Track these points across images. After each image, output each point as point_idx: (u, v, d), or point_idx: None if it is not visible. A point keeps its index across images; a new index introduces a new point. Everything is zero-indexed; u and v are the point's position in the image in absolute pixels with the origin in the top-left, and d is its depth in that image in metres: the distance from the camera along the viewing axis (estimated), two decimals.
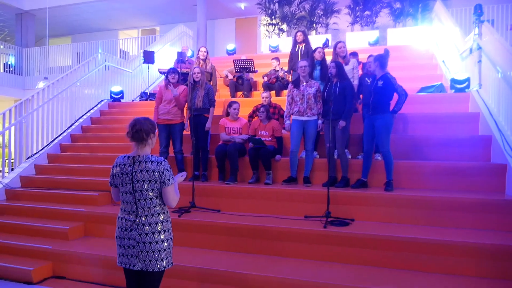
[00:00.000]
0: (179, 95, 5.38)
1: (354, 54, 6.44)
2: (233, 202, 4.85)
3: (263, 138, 5.26)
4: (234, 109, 5.56)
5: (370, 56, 4.85)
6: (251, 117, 6.04)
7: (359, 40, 10.24)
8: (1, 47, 15.04)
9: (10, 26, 16.10)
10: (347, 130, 4.87)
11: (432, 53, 8.66)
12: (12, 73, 14.30)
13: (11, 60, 14.56)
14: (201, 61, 6.37)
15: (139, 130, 2.54)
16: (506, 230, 3.79)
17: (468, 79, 5.98)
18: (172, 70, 5.52)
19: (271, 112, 5.61)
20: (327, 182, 4.38)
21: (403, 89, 4.61)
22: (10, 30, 16.61)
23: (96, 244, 4.46)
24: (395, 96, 4.63)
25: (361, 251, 3.73)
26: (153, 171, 2.51)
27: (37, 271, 4.08)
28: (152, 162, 2.53)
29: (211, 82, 6.28)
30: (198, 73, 5.37)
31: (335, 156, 4.97)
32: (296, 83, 5.05)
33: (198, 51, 6.45)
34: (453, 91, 6.12)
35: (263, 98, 5.80)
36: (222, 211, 4.77)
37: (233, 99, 6.69)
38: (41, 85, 7.39)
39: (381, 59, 4.60)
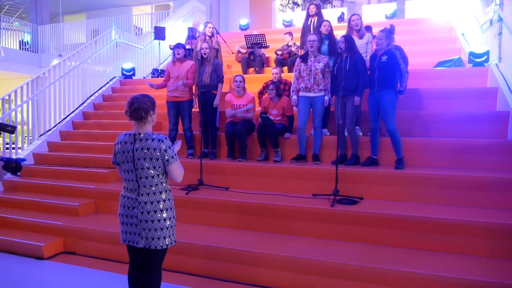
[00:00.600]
0: (187, 82, 5.35)
1: (368, 28, 6.19)
2: (242, 179, 4.83)
3: (272, 118, 5.17)
4: (236, 81, 5.35)
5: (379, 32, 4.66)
6: (261, 93, 5.94)
7: (376, 13, 9.89)
8: (17, 24, 15.15)
9: (26, 3, 16.15)
10: (358, 106, 4.75)
11: (451, 25, 8.30)
12: (28, 50, 14.42)
13: (27, 37, 14.67)
14: (207, 37, 6.26)
15: (137, 109, 2.50)
16: None
17: (487, 53, 5.72)
18: (177, 46, 5.44)
19: (281, 88, 5.48)
20: (336, 159, 4.29)
21: (405, 67, 4.46)
22: (25, 7, 16.68)
23: (105, 221, 4.53)
24: None
25: (369, 230, 3.68)
26: (154, 149, 2.48)
27: (48, 247, 4.18)
28: (153, 140, 2.49)
29: (217, 58, 6.18)
30: (206, 48, 5.27)
31: (345, 133, 4.86)
32: (304, 58, 4.91)
33: (205, 27, 6.33)
34: (471, 65, 5.87)
35: (273, 74, 5.65)
36: (231, 189, 4.76)
37: (244, 75, 6.58)
38: (55, 62, 7.40)
39: (387, 33, 4.43)
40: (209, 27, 6.35)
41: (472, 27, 6.96)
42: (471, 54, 5.87)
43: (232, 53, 8.05)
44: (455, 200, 3.90)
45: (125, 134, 2.59)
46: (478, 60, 5.77)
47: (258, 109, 5.63)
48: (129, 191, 2.59)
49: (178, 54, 5.39)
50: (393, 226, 3.61)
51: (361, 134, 5.11)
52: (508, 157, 4.26)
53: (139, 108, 2.50)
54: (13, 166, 1.82)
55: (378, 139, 4.60)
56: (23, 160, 1.83)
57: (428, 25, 8.70)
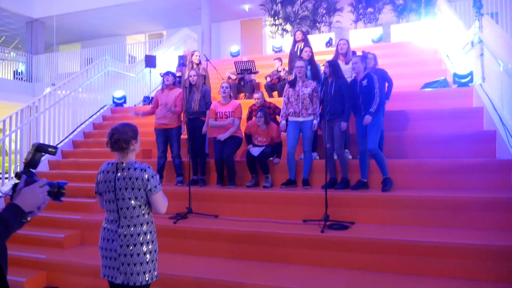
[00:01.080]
0: (175, 110, 5.34)
1: (353, 54, 6.28)
2: (232, 206, 4.77)
3: (260, 144, 5.14)
4: (223, 87, 5.24)
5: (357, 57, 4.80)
6: (249, 119, 5.94)
7: (362, 38, 10.08)
8: (14, 54, 15.33)
9: (22, 34, 16.38)
10: (346, 130, 4.76)
11: (436, 48, 8.47)
12: (22, 80, 14.51)
13: (21, 67, 14.79)
14: (194, 65, 6.35)
15: (117, 140, 2.47)
16: None
17: (471, 73, 5.81)
18: (166, 73, 5.49)
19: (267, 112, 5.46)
20: (325, 184, 4.26)
21: (380, 90, 4.53)
22: (21, 38, 16.90)
23: (91, 253, 4.41)
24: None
25: (360, 256, 3.61)
26: (136, 179, 2.43)
27: (30, 282, 4.03)
28: (135, 169, 2.45)
29: (205, 85, 6.24)
30: (194, 75, 5.32)
31: (335, 157, 4.85)
32: (293, 83, 4.96)
33: (192, 55, 6.43)
34: (456, 86, 5.95)
35: (255, 99, 5.61)
36: (220, 216, 4.69)
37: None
38: (48, 91, 7.43)
39: (361, 57, 4.58)
40: (196, 55, 6.45)
41: (456, 49, 7.10)
42: (455, 75, 5.97)
43: (223, 79, 8.14)
44: (446, 222, 3.86)
45: (108, 163, 2.55)
46: (463, 80, 5.86)
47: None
48: (109, 222, 2.53)
49: (167, 80, 5.44)
50: (384, 251, 3.55)
51: (350, 157, 5.11)
52: (497, 176, 4.25)
53: (119, 139, 2.47)
54: (55, 191, 1.65)
55: (367, 162, 4.59)
56: (65, 183, 1.66)
57: (414, 48, 8.87)
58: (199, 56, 6.43)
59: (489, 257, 3.22)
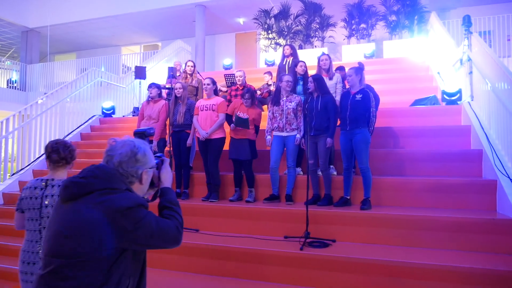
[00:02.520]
0: (156, 129, 5.24)
1: (341, 69, 6.27)
2: (213, 221, 4.67)
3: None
4: (204, 84, 5.15)
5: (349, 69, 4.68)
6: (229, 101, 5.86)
7: (355, 53, 10.11)
8: (9, 63, 15.32)
9: (17, 44, 16.38)
10: (331, 145, 4.69)
11: (427, 65, 8.48)
12: (15, 88, 14.46)
13: (15, 76, 14.75)
14: (188, 75, 6.28)
15: (55, 150, 2.41)
16: (496, 252, 3.55)
17: (459, 91, 5.79)
18: (150, 85, 5.44)
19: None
20: (307, 200, 4.17)
21: (376, 108, 4.49)
22: (17, 47, 16.89)
23: None
24: None
25: (340, 275, 3.51)
26: None
27: None
28: None
29: (197, 97, 6.18)
30: (179, 88, 5.27)
31: (319, 173, 4.77)
32: (276, 100, 4.89)
33: (185, 65, 6.37)
34: (444, 103, 5.92)
35: (236, 77, 5.88)
36: (201, 230, 4.59)
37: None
38: (40, 101, 7.38)
39: (356, 69, 4.47)
40: (189, 65, 6.40)
41: (446, 66, 7.11)
42: (444, 92, 5.94)
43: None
44: (430, 242, 3.77)
45: (37, 179, 2.46)
46: (451, 98, 5.83)
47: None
48: (30, 243, 2.37)
49: (150, 93, 5.38)
50: (365, 271, 3.45)
51: (335, 173, 5.03)
52: (483, 196, 4.18)
53: (58, 150, 2.43)
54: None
55: (351, 179, 4.51)
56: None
57: (406, 64, 8.88)
58: (192, 66, 6.35)
59: (474, 280, 3.13)
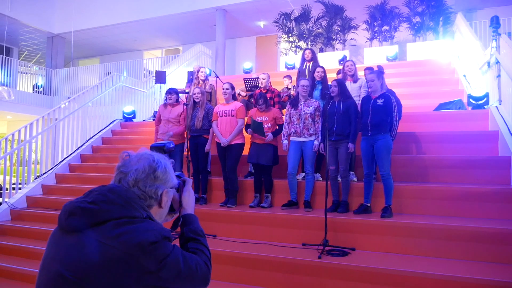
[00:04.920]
0: (174, 134, 5.28)
1: (370, 69, 6.09)
2: (231, 227, 4.63)
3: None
4: (223, 89, 5.10)
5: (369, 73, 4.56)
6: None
7: (377, 56, 9.91)
8: (36, 68, 15.81)
9: (43, 49, 16.87)
10: (352, 151, 4.58)
11: (453, 67, 8.22)
12: (41, 93, 14.87)
13: (40, 81, 15.18)
14: (200, 81, 6.30)
15: None
16: None
17: (486, 95, 5.56)
18: (169, 91, 5.45)
19: (268, 97, 5.34)
20: (326, 207, 4.07)
21: (398, 113, 4.36)
22: (43, 53, 17.41)
23: None
24: None
25: (359, 285, 3.40)
26: None
27: None
28: None
29: (211, 102, 6.18)
30: (198, 93, 5.26)
31: (339, 179, 4.67)
32: (294, 103, 4.83)
33: (198, 71, 6.39)
34: (470, 108, 5.71)
35: (260, 80, 5.80)
36: (218, 236, 4.56)
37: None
38: (63, 106, 7.55)
39: (377, 73, 4.37)
40: (202, 72, 6.42)
41: (473, 69, 6.87)
42: (470, 96, 5.73)
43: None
44: (453, 253, 3.61)
45: None
46: (478, 102, 5.61)
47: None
48: None
49: (170, 99, 5.40)
50: (385, 281, 3.32)
51: (355, 179, 4.91)
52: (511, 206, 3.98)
53: None
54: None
55: (372, 185, 4.39)
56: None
57: (430, 66, 8.64)
58: (205, 73, 6.37)
59: None
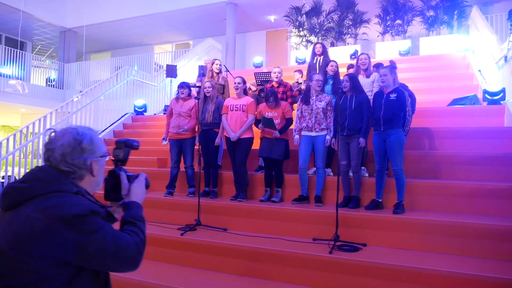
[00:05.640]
0: (188, 127, 5.30)
1: (378, 66, 6.04)
2: (241, 221, 4.63)
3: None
4: (235, 83, 5.07)
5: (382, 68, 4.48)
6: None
7: (389, 50, 9.79)
8: (49, 62, 15.99)
9: (56, 43, 17.04)
10: (364, 146, 4.54)
11: (468, 62, 8.08)
12: (53, 87, 15.04)
13: (54, 75, 15.35)
14: (214, 74, 6.27)
15: None
16: None
17: (503, 90, 5.45)
18: (181, 85, 5.45)
19: (280, 91, 5.37)
20: (337, 203, 4.04)
21: (412, 108, 4.30)
22: (56, 47, 17.58)
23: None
24: None
25: (370, 281, 3.37)
26: None
27: None
28: None
29: (223, 95, 6.15)
30: (209, 87, 5.25)
31: (350, 174, 4.63)
32: (306, 99, 4.79)
33: (212, 64, 6.35)
34: (486, 103, 5.60)
35: (274, 73, 5.76)
36: (229, 230, 4.56)
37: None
38: (76, 99, 7.64)
39: (390, 68, 4.30)
40: (217, 64, 6.39)
41: (489, 64, 6.74)
42: (486, 92, 5.62)
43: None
44: (466, 251, 3.55)
45: None
46: (493, 98, 5.51)
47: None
48: None
49: (182, 93, 5.39)
50: (397, 277, 3.29)
51: (367, 174, 4.87)
52: None
53: None
54: (148, 183, 1.58)
55: (384, 181, 4.35)
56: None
57: (444, 61, 8.51)
58: (220, 65, 6.34)
59: None
